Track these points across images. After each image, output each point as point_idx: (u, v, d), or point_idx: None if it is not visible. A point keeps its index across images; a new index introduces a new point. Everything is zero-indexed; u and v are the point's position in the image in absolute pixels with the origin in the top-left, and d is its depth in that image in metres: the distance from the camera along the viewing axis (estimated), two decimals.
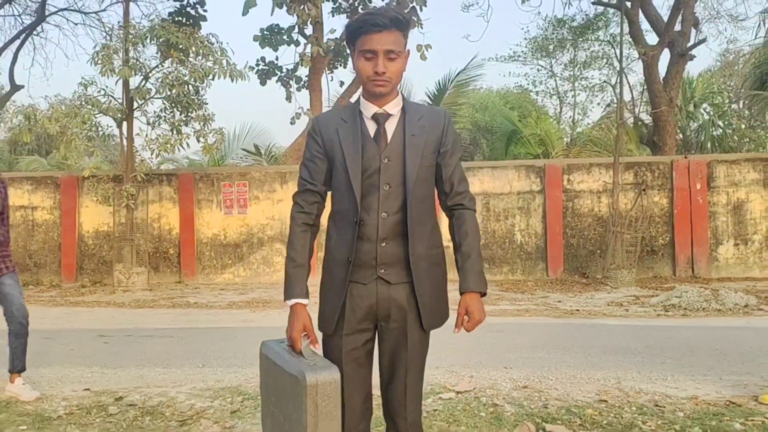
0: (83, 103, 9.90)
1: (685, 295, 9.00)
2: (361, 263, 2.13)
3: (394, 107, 2.16)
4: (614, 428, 3.43)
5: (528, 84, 25.68)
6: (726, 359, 5.08)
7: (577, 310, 8.35)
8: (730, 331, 6.57)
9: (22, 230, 12.37)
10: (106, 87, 10.59)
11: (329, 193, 2.22)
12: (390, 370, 2.19)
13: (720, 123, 21.61)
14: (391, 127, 2.16)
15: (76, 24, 17.20)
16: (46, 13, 15.63)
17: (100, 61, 9.53)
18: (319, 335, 2.15)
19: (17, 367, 4.19)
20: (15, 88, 15.38)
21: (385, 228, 2.12)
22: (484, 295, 2.16)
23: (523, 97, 26.01)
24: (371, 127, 2.15)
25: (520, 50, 22.16)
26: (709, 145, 20.99)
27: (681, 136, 22.98)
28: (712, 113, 23.03)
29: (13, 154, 26.12)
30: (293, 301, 2.10)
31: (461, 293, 2.13)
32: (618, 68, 12.00)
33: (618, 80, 11.36)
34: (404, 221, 2.13)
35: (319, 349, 2.13)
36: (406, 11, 11.79)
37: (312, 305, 2.05)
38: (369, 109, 2.15)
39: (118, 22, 11.52)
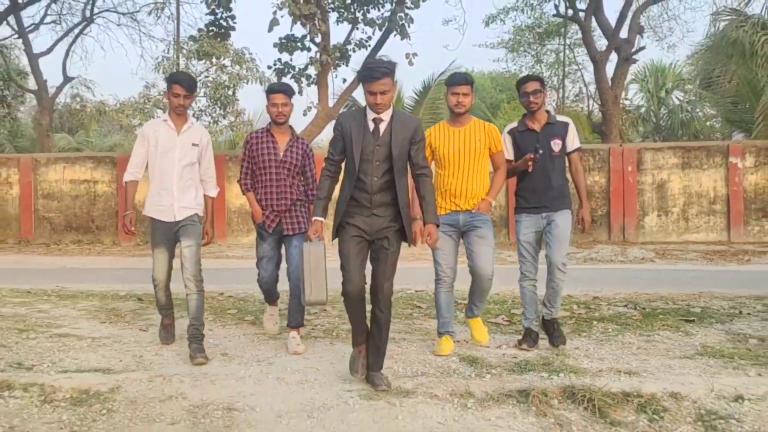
0: (146, 101, 12.77)
1: (602, 251, 12.07)
2: (361, 205, 3.61)
3: (386, 115, 3.62)
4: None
5: (516, 69, 27.94)
6: (594, 283, 8.07)
7: None
8: (611, 272, 9.60)
9: (86, 200, 15.26)
10: (164, 88, 13.42)
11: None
12: (376, 263, 3.63)
13: (688, 108, 24.43)
14: (383, 126, 3.61)
15: (119, 25, 19.80)
16: (89, 13, 18.33)
17: (162, 70, 12.40)
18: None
19: (292, 322, 4.58)
20: (67, 79, 18.16)
21: (376, 186, 3.59)
22: (438, 226, 3.77)
23: (513, 79, 28.33)
24: (371, 126, 3.62)
25: (506, 38, 24.67)
26: (680, 129, 23.75)
27: (654, 120, 25.81)
28: (682, 99, 25.84)
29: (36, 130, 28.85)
30: (314, 218, 3.66)
31: (425, 224, 3.66)
32: (581, 71, 14.84)
33: (562, 83, 14.21)
34: (388, 181, 3.59)
35: (330, 245, 3.69)
36: (397, 27, 14.56)
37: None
38: (371, 115, 3.63)
39: (173, 39, 14.33)
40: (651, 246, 13.69)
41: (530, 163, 4.43)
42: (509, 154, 4.64)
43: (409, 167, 3.72)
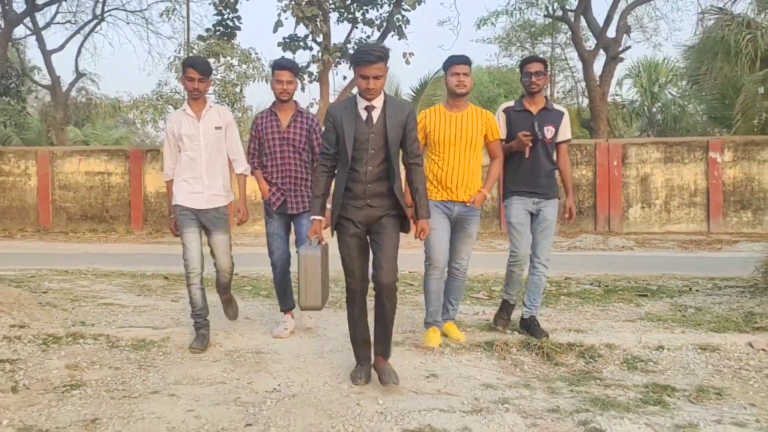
0: (159, 97, 13.62)
1: (585, 240, 12.96)
2: (355, 196, 3.50)
3: (378, 102, 3.51)
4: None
5: (512, 63, 28.41)
6: (572, 266, 8.95)
7: None
8: (589, 257, 10.49)
9: (100, 191, 16.13)
10: (176, 86, 14.22)
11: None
12: (376, 253, 3.54)
13: (681, 103, 25.25)
14: (376, 114, 3.49)
15: (128, 23, 20.60)
16: (100, 11, 19.13)
17: (174, 69, 13.25)
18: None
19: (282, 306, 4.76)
20: (79, 75, 18.98)
21: (371, 175, 3.49)
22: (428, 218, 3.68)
23: (510, 74, 28.93)
24: (363, 114, 3.49)
25: (503, 33, 25.36)
26: (673, 123, 24.53)
27: (648, 115, 26.59)
28: (675, 94, 26.64)
29: (44, 123, 29.68)
30: (312, 217, 3.59)
31: (418, 218, 3.61)
32: (570, 69, 15.64)
33: (550, 81, 14.99)
34: (383, 170, 3.48)
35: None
36: (395, 27, 15.39)
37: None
38: (362, 103, 3.50)
39: (185, 41, 15.15)
40: (634, 236, 14.56)
41: (527, 143, 4.35)
42: (502, 133, 4.52)
43: (401, 153, 3.64)
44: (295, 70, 4.65)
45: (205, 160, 4.31)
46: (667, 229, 15.36)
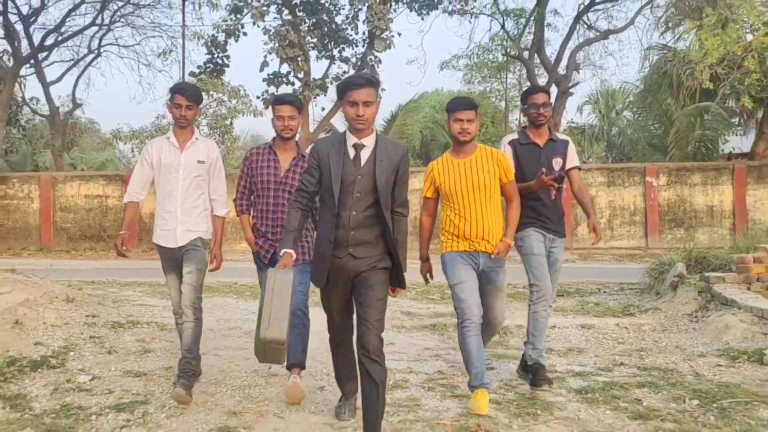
0: (156, 129, 15.23)
1: None
2: (338, 244, 3.21)
3: (368, 141, 3.25)
4: None
5: (485, 89, 30.02)
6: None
7: None
8: None
9: (98, 212, 17.57)
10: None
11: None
12: (360, 311, 3.24)
13: (634, 129, 27.45)
14: (365, 154, 3.23)
15: (122, 58, 22.10)
16: (97, 46, 20.66)
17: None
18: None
19: (291, 359, 4.00)
20: (76, 105, 20.48)
21: (355, 221, 3.18)
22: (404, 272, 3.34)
23: (482, 98, 30.59)
24: (351, 153, 3.23)
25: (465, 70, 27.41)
26: (629, 147, 26.62)
27: (606, 139, 28.73)
28: (631, 118, 28.87)
29: (30, 146, 30.90)
30: (283, 250, 3.23)
31: (398, 270, 3.29)
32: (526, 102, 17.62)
33: (505, 116, 16.95)
34: (370, 217, 3.19)
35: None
36: (368, 66, 17.25)
37: None
38: (351, 139, 3.24)
39: (180, 78, 16.80)
40: (581, 251, 16.46)
41: (551, 184, 4.04)
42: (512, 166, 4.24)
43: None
44: (297, 104, 4.22)
45: (181, 194, 3.99)
46: (611, 245, 17.28)
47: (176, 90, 4.06)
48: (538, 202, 4.21)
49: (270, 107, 4.42)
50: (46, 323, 5.29)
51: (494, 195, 3.97)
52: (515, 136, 4.40)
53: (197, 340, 4.00)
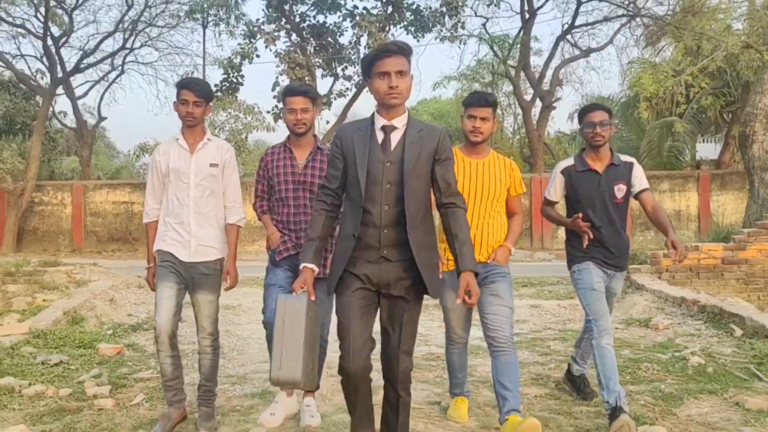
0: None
1: (515, 254, 16.68)
2: (366, 245, 2.72)
3: (399, 122, 2.76)
4: None
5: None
6: None
7: None
8: (515, 266, 14.13)
9: (125, 217, 19.43)
10: None
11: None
12: (389, 329, 2.79)
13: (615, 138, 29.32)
14: (396, 137, 2.76)
15: (143, 75, 23.95)
16: (122, 63, 22.54)
17: None
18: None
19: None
20: (101, 119, 22.38)
21: (387, 218, 2.71)
22: (477, 274, 2.78)
23: None
24: (380, 136, 2.77)
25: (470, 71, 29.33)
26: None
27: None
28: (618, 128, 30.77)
29: (45, 154, 32.88)
30: (302, 264, 2.77)
31: (461, 272, 2.73)
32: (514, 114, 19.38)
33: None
34: (403, 212, 2.70)
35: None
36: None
37: None
38: (380, 121, 2.77)
39: None
40: (559, 251, 18.27)
41: (586, 231, 3.74)
42: (555, 195, 3.96)
43: (432, 191, 2.87)
44: (311, 94, 3.81)
45: (193, 202, 3.59)
46: None
47: (183, 85, 3.62)
48: (596, 238, 3.78)
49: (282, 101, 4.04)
50: (129, 302, 7.16)
51: (500, 206, 3.70)
52: (570, 162, 3.96)
53: (216, 368, 3.74)
